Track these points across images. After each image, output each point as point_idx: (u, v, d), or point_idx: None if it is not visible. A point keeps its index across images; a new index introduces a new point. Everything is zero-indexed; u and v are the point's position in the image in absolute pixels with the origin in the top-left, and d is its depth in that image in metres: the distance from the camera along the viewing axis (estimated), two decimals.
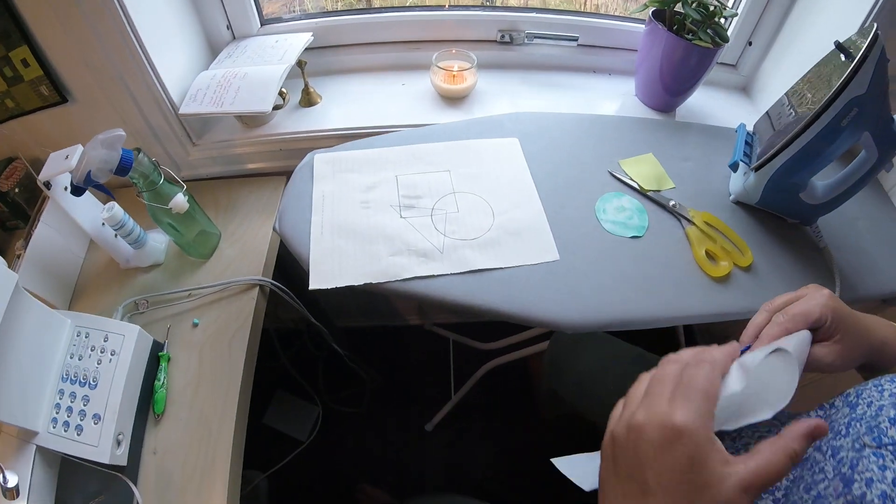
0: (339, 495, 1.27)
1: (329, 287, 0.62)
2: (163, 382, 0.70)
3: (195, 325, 0.77)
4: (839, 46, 0.65)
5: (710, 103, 1.00)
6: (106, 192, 0.68)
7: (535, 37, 0.95)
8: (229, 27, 0.94)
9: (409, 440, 1.36)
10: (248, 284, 0.79)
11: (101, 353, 0.66)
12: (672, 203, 0.76)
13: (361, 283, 0.63)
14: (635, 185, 0.77)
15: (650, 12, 0.87)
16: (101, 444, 0.60)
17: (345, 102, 0.92)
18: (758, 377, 0.40)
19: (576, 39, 0.96)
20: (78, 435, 0.61)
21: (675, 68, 0.88)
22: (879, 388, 0.42)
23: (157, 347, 0.73)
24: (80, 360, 0.66)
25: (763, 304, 0.51)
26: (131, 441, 0.64)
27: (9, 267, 0.58)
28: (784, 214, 0.79)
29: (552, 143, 0.82)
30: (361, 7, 1.04)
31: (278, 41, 0.91)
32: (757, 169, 0.74)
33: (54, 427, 0.62)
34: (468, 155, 0.77)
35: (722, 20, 0.87)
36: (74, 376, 0.64)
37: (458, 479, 1.28)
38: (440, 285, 0.64)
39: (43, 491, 0.61)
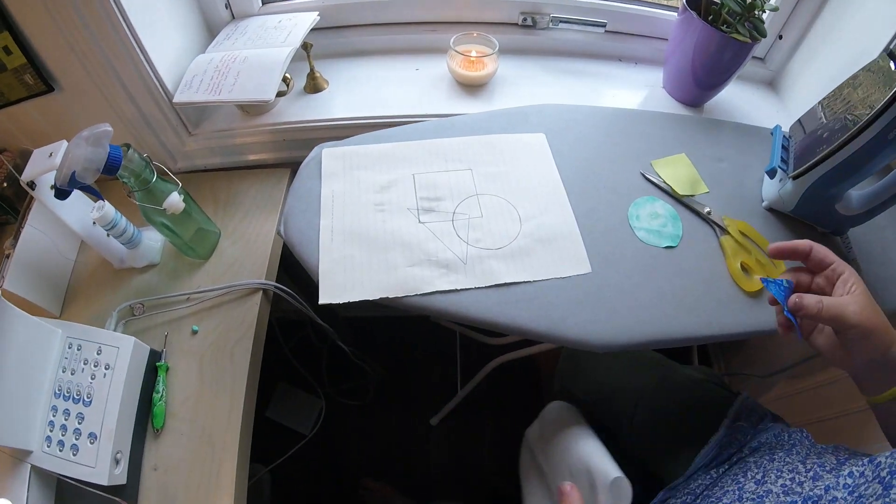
0: (343, 489, 1.23)
1: (341, 302, 0.56)
2: (161, 395, 0.65)
3: (194, 332, 0.70)
4: (891, 55, 0.61)
5: (737, 98, 0.92)
6: (94, 194, 0.61)
7: (561, 21, 0.86)
8: (228, 6, 0.86)
9: (414, 434, 1.32)
10: (250, 288, 0.72)
11: (95, 366, 0.60)
12: (707, 210, 0.69)
13: (377, 297, 0.56)
14: (668, 189, 0.71)
15: (684, 0, 0.79)
16: (98, 464, 0.56)
17: (354, 88, 0.84)
18: None
19: (604, 25, 0.87)
20: (74, 455, 0.57)
21: (708, 61, 0.80)
22: None
23: (154, 357, 0.67)
24: (72, 374, 0.60)
25: (807, 241, 0.53)
26: (130, 458, 0.60)
27: None
28: (816, 224, 0.74)
29: (581, 139, 0.74)
30: None
31: (281, 21, 0.82)
32: (796, 177, 0.68)
33: (49, 446, 0.58)
34: (491, 152, 0.70)
35: (762, 14, 0.79)
36: (68, 392, 0.60)
37: (463, 474, 1.24)
38: (463, 301, 0.57)
39: None
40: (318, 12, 0.82)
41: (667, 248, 0.65)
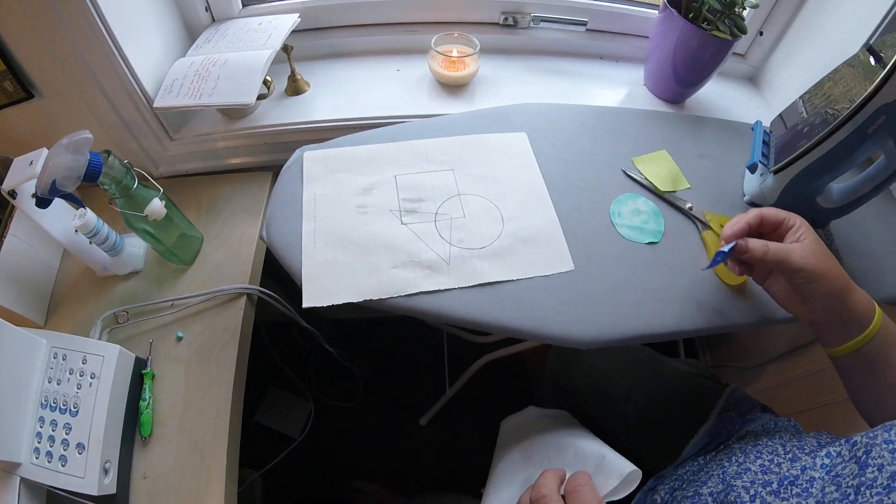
0: (335, 491, 1.25)
1: (325, 305, 0.57)
2: (148, 403, 0.65)
3: (179, 338, 0.71)
4: (871, 50, 0.62)
5: (718, 94, 0.94)
6: (75, 201, 0.61)
7: (542, 20, 0.88)
8: (208, 9, 0.86)
9: (404, 434, 1.33)
10: (234, 293, 0.73)
11: (81, 376, 0.61)
12: (689, 206, 0.71)
13: (361, 299, 0.57)
14: (650, 186, 0.72)
15: None
16: (87, 474, 0.56)
17: (335, 90, 0.85)
18: None
19: (585, 24, 0.89)
20: (62, 466, 0.57)
21: (689, 58, 0.82)
22: (890, 445, 0.42)
23: (139, 365, 0.67)
24: (58, 384, 0.61)
25: (754, 211, 0.56)
26: (119, 467, 0.60)
27: None
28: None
29: (563, 137, 0.76)
30: None
31: (262, 24, 0.83)
32: (777, 171, 0.70)
33: (37, 458, 0.58)
34: (473, 152, 0.71)
35: (742, 11, 0.81)
36: (54, 402, 0.60)
37: (454, 473, 1.26)
38: (447, 301, 0.58)
39: None
40: (298, 14, 0.83)
41: (649, 244, 0.67)
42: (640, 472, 0.53)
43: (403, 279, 0.58)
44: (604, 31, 0.93)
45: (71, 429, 0.58)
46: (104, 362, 0.62)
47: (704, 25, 0.79)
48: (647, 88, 0.90)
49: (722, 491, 0.54)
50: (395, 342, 1.47)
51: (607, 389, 0.87)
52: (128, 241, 0.76)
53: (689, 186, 0.74)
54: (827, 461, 0.48)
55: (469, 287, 0.59)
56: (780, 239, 0.56)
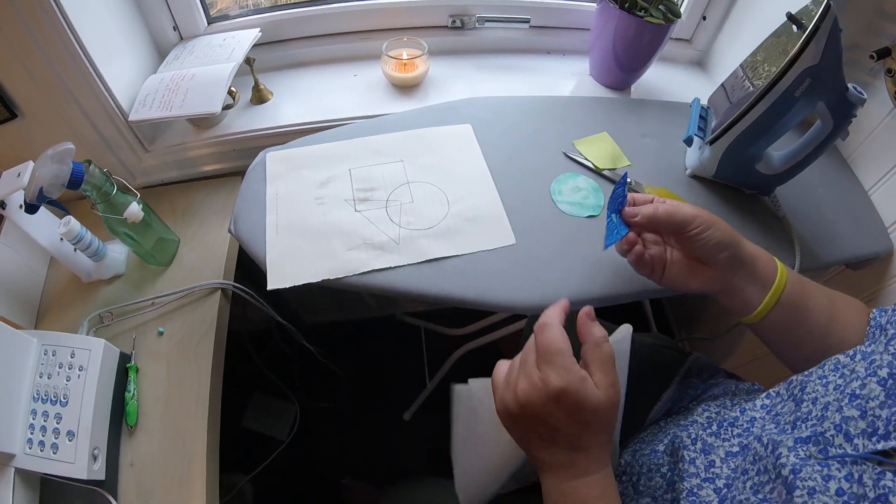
0: (325, 491, 1.33)
1: (287, 286, 0.67)
2: (133, 394, 0.74)
3: (160, 333, 0.80)
4: (791, 17, 0.69)
5: (666, 79, 1.05)
6: (60, 208, 0.72)
7: (487, 20, 0.99)
8: (176, 28, 0.97)
9: (389, 430, 1.43)
10: (209, 289, 0.83)
11: (70, 369, 0.68)
12: (628, 181, 0.81)
13: (319, 279, 0.67)
14: (590, 165, 0.82)
15: None
16: (77, 460, 0.63)
17: (297, 97, 0.96)
18: None
19: (528, 21, 1.01)
20: (54, 453, 0.64)
21: (627, 46, 0.93)
22: (824, 380, 0.46)
23: (124, 359, 0.76)
24: (49, 378, 0.68)
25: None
26: (108, 455, 0.67)
27: None
28: (741, 186, 0.84)
29: (507, 127, 0.87)
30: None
31: (226, 39, 0.94)
32: (712, 142, 0.79)
33: (30, 448, 0.64)
34: (421, 144, 0.82)
35: None
36: (45, 395, 0.67)
37: (441, 465, 1.34)
38: (398, 277, 0.68)
39: None
40: (259, 29, 0.94)
41: (589, 218, 0.76)
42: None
43: (357, 260, 0.69)
44: (548, 27, 1.04)
45: (61, 418, 0.65)
46: (91, 355, 0.70)
47: (639, 13, 0.89)
48: (593, 78, 1.01)
49: (670, 443, 0.60)
50: (375, 342, 1.58)
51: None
52: (110, 248, 0.86)
53: (629, 164, 0.84)
54: (767, 402, 0.53)
55: (417, 263, 0.69)
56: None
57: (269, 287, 0.67)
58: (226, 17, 1.00)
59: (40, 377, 0.68)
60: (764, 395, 0.54)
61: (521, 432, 0.50)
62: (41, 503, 0.67)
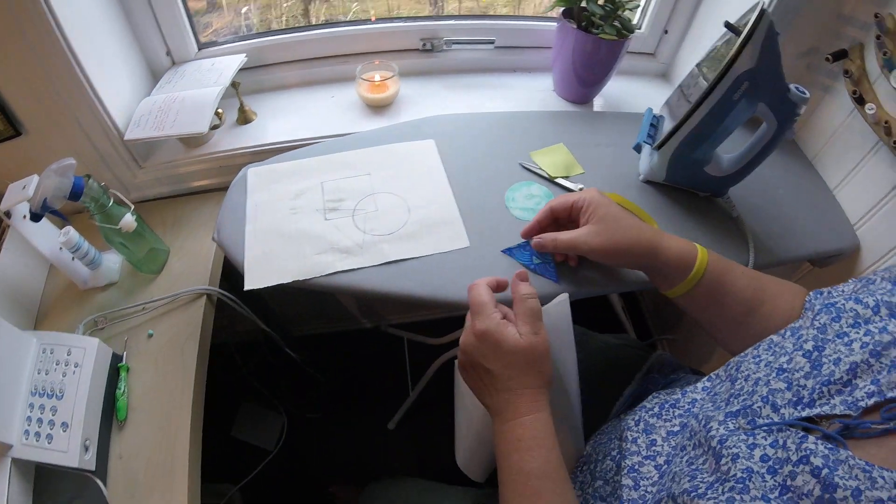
0: (312, 499, 1.43)
1: (262, 286, 0.79)
2: (123, 391, 0.84)
3: (150, 335, 0.91)
4: (728, 26, 0.76)
5: (631, 92, 1.17)
6: (62, 217, 0.85)
7: (454, 43, 1.13)
8: (169, 53, 1.11)
9: (374, 439, 1.53)
10: (195, 294, 0.95)
11: (66, 366, 0.77)
12: (580, 187, 0.92)
13: (290, 280, 0.79)
14: (544, 174, 0.94)
15: (560, 10, 1.04)
16: (69, 449, 0.71)
17: (279, 117, 1.10)
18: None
19: (493, 42, 1.14)
20: (49, 443, 0.71)
21: (585, 62, 1.04)
22: (757, 359, 0.51)
23: (116, 359, 0.86)
24: (46, 374, 0.77)
25: (545, 206, 0.75)
26: (98, 447, 0.75)
27: None
28: (693, 188, 0.93)
29: (467, 141, 0.99)
30: (301, 26, 1.21)
31: (214, 64, 1.08)
32: (658, 147, 0.88)
33: (27, 439, 0.72)
34: (387, 158, 0.95)
35: (628, 12, 1.03)
36: (42, 389, 0.76)
37: (426, 472, 1.44)
38: (360, 277, 0.80)
39: (20, 501, 0.71)
40: (245, 54, 1.08)
41: None
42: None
43: (324, 262, 0.80)
44: (512, 47, 1.17)
45: (56, 410, 0.73)
46: (85, 353, 0.80)
47: (594, 31, 1.00)
48: (557, 93, 1.14)
49: (618, 427, 0.68)
50: (360, 353, 1.70)
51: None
52: (105, 257, 0.98)
53: (582, 171, 0.96)
54: (708, 384, 0.60)
55: (378, 265, 0.81)
56: (578, 222, 0.72)
57: (246, 287, 0.79)
58: (214, 44, 1.14)
59: (38, 373, 0.77)
60: (706, 378, 0.61)
61: (472, 382, 0.62)
62: (35, 492, 0.74)
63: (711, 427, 0.48)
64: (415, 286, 0.79)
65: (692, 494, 0.45)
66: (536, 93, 1.14)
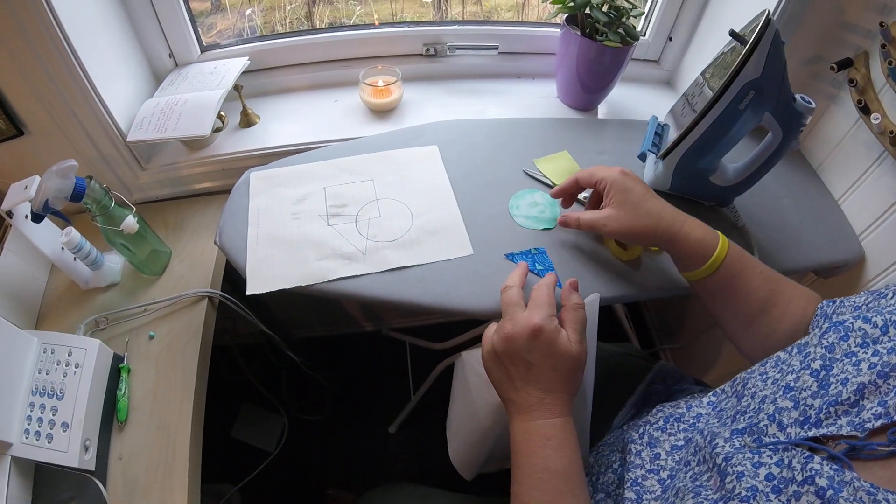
0: (311, 501, 1.43)
1: (264, 291, 0.78)
2: (124, 392, 0.83)
3: (151, 337, 0.91)
4: (734, 35, 0.76)
5: (634, 99, 1.16)
6: (63, 218, 0.84)
7: (458, 48, 1.12)
8: (171, 56, 1.11)
9: (374, 443, 1.53)
10: (197, 296, 0.95)
11: (66, 366, 0.77)
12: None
13: (292, 285, 0.78)
14: (548, 182, 0.93)
15: (564, 17, 1.04)
16: (69, 449, 0.71)
17: (282, 121, 1.09)
18: None
19: (496, 48, 1.13)
20: (49, 443, 0.72)
21: (590, 69, 1.04)
22: (764, 376, 0.51)
23: (117, 360, 0.86)
24: (47, 374, 0.77)
25: (572, 178, 0.77)
26: (98, 448, 0.75)
27: None
28: (698, 198, 0.92)
29: (471, 148, 0.98)
30: (304, 29, 1.21)
31: (217, 67, 1.08)
32: (663, 156, 0.87)
33: (27, 438, 0.72)
34: (390, 164, 0.94)
35: (632, 19, 1.03)
36: (43, 389, 0.76)
37: (426, 477, 1.43)
38: (363, 284, 0.79)
39: (19, 500, 0.71)
40: (247, 57, 1.08)
41: (544, 230, 0.86)
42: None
43: (326, 268, 0.80)
44: (516, 53, 1.17)
45: (57, 410, 0.74)
46: (86, 354, 0.80)
47: (599, 38, 1.00)
48: (560, 100, 1.13)
49: (621, 440, 0.68)
50: (362, 356, 1.70)
51: None
52: (107, 258, 0.97)
53: None
54: (713, 399, 0.60)
55: (380, 272, 0.80)
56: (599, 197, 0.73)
57: (248, 292, 0.78)
58: (217, 46, 1.14)
59: (39, 373, 0.78)
60: (711, 392, 0.61)
61: (501, 372, 0.61)
62: (34, 491, 0.75)
63: (717, 444, 0.48)
64: (418, 294, 0.78)
65: None
66: (540, 99, 1.13)
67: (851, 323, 0.48)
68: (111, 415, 0.82)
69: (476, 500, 0.86)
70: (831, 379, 0.45)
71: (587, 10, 1.00)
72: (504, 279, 0.80)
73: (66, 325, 0.93)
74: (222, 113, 1.06)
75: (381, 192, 0.90)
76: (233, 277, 1.02)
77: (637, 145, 0.96)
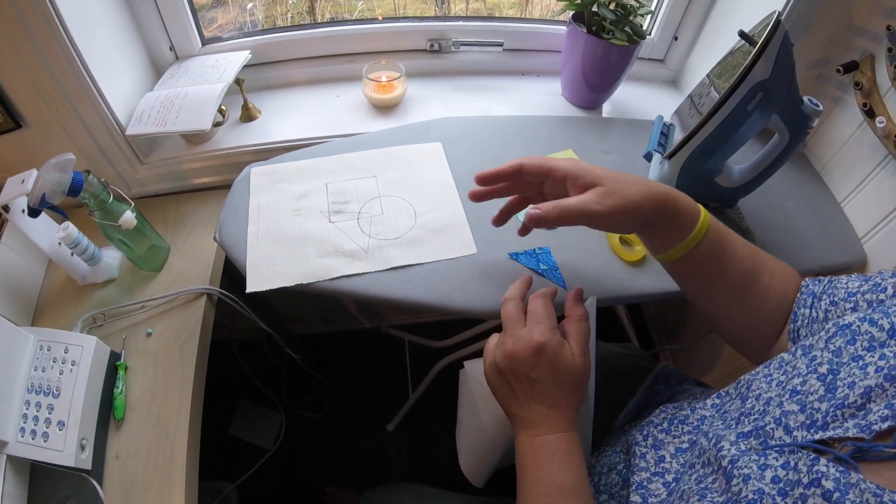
0: (309, 499, 1.42)
1: (264, 289, 0.76)
2: (121, 390, 0.82)
3: (149, 334, 0.89)
4: (743, 35, 0.75)
5: (639, 98, 1.15)
6: (60, 213, 0.82)
7: (462, 44, 1.10)
8: (172, 48, 1.09)
9: (373, 441, 1.52)
10: (195, 293, 0.93)
11: (63, 363, 0.76)
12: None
13: (293, 283, 0.77)
14: None
15: (570, 14, 1.02)
16: (66, 448, 0.70)
17: (283, 116, 1.07)
18: None
19: (501, 45, 1.11)
20: (45, 442, 0.70)
21: (595, 67, 1.03)
22: (768, 377, 0.51)
23: (114, 357, 0.84)
24: (43, 371, 0.76)
25: (515, 163, 0.68)
26: (95, 446, 0.74)
27: None
28: (703, 199, 0.89)
29: (475, 145, 0.97)
30: (306, 23, 1.19)
31: (218, 60, 1.06)
32: (670, 157, 0.86)
33: (22, 436, 0.71)
34: (394, 161, 0.92)
35: (639, 18, 1.01)
36: (39, 387, 0.74)
37: (424, 475, 1.42)
38: (365, 282, 0.78)
39: (14, 499, 0.70)
40: (249, 51, 1.06)
41: (549, 229, 0.85)
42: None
43: (328, 266, 0.78)
44: (520, 50, 1.15)
45: (53, 409, 0.72)
46: (83, 351, 0.78)
47: (605, 36, 0.98)
48: (565, 98, 1.12)
49: (625, 441, 0.67)
50: (360, 353, 1.68)
51: None
52: (104, 253, 0.96)
53: None
54: (717, 401, 0.59)
55: (383, 270, 0.79)
56: (560, 190, 0.63)
57: (248, 290, 0.77)
58: (219, 39, 1.12)
59: (35, 370, 0.76)
60: (714, 394, 0.60)
61: (505, 388, 0.60)
62: (30, 491, 0.73)
63: (723, 447, 0.48)
64: (421, 293, 0.77)
65: None
66: (545, 97, 1.12)
67: (858, 326, 0.48)
68: (108, 413, 0.81)
69: (476, 500, 0.85)
70: (838, 383, 0.45)
71: (594, 8, 0.98)
72: (508, 279, 0.79)
73: (63, 321, 0.92)
74: (223, 107, 1.04)
75: (385, 189, 0.88)
76: (232, 274, 1.00)
77: (642, 145, 0.95)
